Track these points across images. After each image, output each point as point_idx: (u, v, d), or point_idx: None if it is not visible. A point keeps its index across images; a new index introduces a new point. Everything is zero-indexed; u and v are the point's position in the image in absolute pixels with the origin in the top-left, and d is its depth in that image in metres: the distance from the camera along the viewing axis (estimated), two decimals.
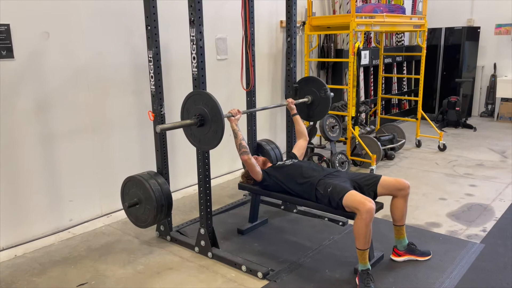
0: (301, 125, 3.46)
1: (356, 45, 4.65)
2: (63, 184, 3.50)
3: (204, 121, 2.67)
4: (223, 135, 2.61)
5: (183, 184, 4.42)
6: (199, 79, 2.80)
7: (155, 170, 3.24)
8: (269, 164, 3.24)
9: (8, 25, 3.04)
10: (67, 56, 3.39)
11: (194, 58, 2.78)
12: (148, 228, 3.31)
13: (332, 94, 3.55)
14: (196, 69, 2.79)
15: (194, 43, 2.75)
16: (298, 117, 3.46)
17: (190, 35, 2.75)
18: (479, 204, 3.91)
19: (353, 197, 2.56)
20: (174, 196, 4.06)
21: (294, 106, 3.46)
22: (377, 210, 2.83)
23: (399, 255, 2.95)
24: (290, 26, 3.51)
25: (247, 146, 2.99)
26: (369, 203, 2.49)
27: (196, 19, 2.70)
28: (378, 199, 2.87)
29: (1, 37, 3.02)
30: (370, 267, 2.59)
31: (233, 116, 2.93)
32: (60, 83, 3.38)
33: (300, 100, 3.54)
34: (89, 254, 3.15)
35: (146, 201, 3.04)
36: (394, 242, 2.98)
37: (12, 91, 3.13)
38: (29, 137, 3.26)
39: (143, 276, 2.84)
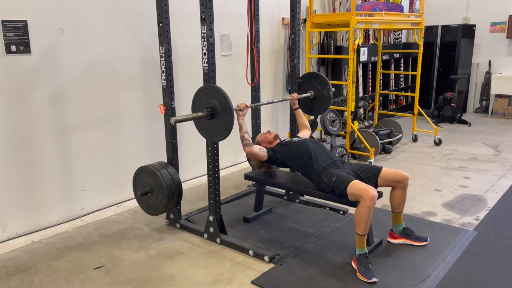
0: (303, 118, 3.63)
1: (356, 42, 4.81)
2: (75, 174, 3.65)
3: (214, 114, 2.83)
4: (232, 128, 2.77)
5: (189, 175, 4.58)
6: (209, 73, 2.96)
7: (165, 161, 3.40)
8: (278, 141, 3.39)
9: (25, 22, 3.18)
10: (80, 51, 3.54)
11: (205, 54, 2.93)
12: (158, 216, 3.49)
13: (333, 89, 3.72)
14: (206, 65, 2.95)
15: (205, 39, 2.90)
16: (300, 111, 3.63)
17: (201, 32, 2.90)
18: (472, 195, 4.09)
19: (357, 186, 2.73)
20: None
21: (297, 101, 3.63)
22: (378, 198, 3.01)
23: (394, 238, 3.16)
24: (294, 24, 3.67)
25: (250, 139, 3.16)
26: (372, 191, 2.67)
27: (207, 16, 2.86)
28: (378, 189, 3.05)
29: (19, 33, 3.16)
30: (367, 251, 2.77)
31: (241, 110, 3.09)
32: (73, 77, 3.52)
33: (303, 95, 3.70)
34: (102, 240, 3.31)
35: (157, 189, 3.20)
36: (391, 226, 3.17)
37: (29, 85, 3.28)
38: (44, 128, 3.41)
39: (156, 260, 3.00)
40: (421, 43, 5.84)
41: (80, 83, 3.57)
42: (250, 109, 4.00)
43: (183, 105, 3.98)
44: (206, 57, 2.93)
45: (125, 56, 3.85)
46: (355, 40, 4.81)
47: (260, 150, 3.21)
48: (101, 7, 3.61)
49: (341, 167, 3.03)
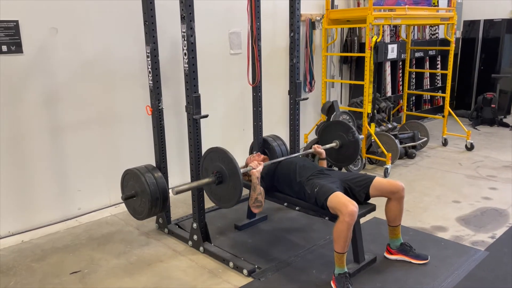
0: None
1: (374, 39, 4.50)
2: (72, 174, 3.64)
3: (222, 178, 2.67)
4: (242, 190, 2.59)
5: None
6: (191, 74, 2.81)
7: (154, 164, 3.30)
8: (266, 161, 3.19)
9: (17, 22, 3.18)
10: (76, 51, 3.50)
11: (185, 54, 2.79)
12: (149, 219, 3.39)
13: (362, 137, 3.42)
14: (187, 65, 2.80)
15: (185, 39, 2.76)
16: (324, 162, 3.31)
17: (181, 31, 2.76)
18: (494, 209, 3.69)
19: (337, 199, 2.49)
20: None
21: (323, 151, 3.29)
22: (369, 212, 2.77)
23: (391, 253, 2.90)
24: (293, 21, 3.45)
25: (262, 201, 2.82)
26: (352, 205, 2.41)
27: (187, 15, 2.71)
28: (372, 200, 2.79)
29: (10, 33, 3.17)
30: (347, 270, 2.53)
31: (254, 169, 2.83)
32: (68, 76, 3.50)
33: (328, 146, 3.44)
34: (89, 242, 3.27)
35: (141, 194, 3.09)
36: (388, 241, 2.92)
37: (22, 85, 3.28)
38: (39, 128, 3.41)
39: (134, 267, 2.91)
40: (453, 39, 5.39)
41: (76, 82, 3.55)
42: (251, 110, 3.84)
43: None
44: (186, 57, 2.79)
45: (123, 56, 3.78)
46: (372, 37, 4.49)
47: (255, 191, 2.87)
48: (97, 5, 3.56)
49: (329, 175, 2.80)
